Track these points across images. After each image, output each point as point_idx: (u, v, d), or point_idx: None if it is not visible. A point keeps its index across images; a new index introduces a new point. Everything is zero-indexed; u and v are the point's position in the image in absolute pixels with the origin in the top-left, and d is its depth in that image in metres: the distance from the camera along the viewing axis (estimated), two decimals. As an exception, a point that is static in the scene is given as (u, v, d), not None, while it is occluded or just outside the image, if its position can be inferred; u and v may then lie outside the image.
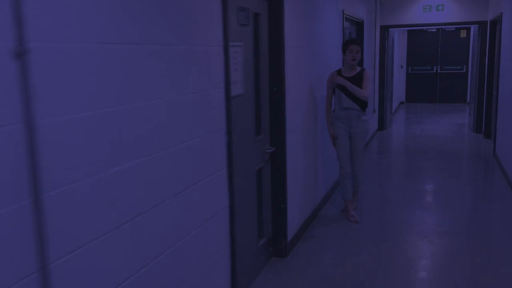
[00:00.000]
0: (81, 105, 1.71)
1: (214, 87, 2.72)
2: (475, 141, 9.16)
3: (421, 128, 10.67)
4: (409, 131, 10.54)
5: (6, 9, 1.41)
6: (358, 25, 7.67)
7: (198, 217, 2.60)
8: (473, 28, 10.96)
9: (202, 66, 2.59)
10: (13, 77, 1.44)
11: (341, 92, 4.80)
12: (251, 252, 3.60)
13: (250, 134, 3.49)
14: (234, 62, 3.07)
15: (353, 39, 5.43)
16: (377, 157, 8.14)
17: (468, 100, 13.29)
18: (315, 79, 4.92)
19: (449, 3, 9.55)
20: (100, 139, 1.82)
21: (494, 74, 8.43)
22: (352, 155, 4.94)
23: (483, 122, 9.33)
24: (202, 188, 2.62)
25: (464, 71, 14.56)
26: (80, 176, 1.72)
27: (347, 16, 6.49)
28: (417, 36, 14.88)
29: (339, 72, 4.90)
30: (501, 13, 7.45)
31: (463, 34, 14.45)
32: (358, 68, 4.86)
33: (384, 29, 9.92)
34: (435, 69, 14.89)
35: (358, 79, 4.77)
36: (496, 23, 8.31)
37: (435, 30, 14.41)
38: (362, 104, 4.82)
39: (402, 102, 15.04)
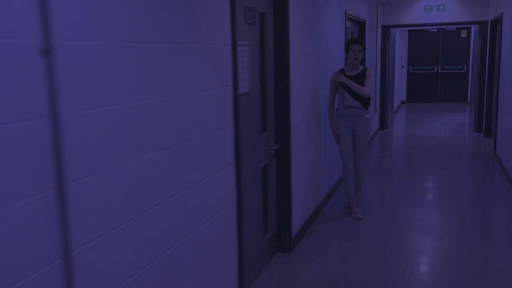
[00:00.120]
0: (100, 101, 1.80)
1: (223, 85, 2.81)
2: (475, 140, 9.24)
3: (422, 127, 10.74)
4: (410, 130, 10.61)
5: (34, 9, 1.49)
6: (360, 25, 7.73)
7: (208, 211, 2.68)
8: (473, 28, 11.02)
9: (212, 64, 2.67)
10: (40, 74, 1.53)
11: (344, 91, 4.87)
12: (257, 246, 3.68)
13: (256, 131, 3.57)
14: (241, 61, 3.15)
15: (355, 38, 5.50)
16: (379, 155, 8.21)
17: (468, 100, 13.37)
18: (319, 78, 5.00)
19: (450, 3, 9.62)
20: (118, 133, 1.90)
21: (495, 73, 8.50)
22: (355, 153, 5.02)
23: (484, 121, 9.40)
24: (211, 182, 2.70)
25: (465, 70, 14.63)
26: (100, 168, 1.80)
27: (350, 16, 6.55)
28: (418, 36, 14.94)
29: (342, 71, 4.97)
30: (502, 13, 7.52)
31: (463, 34, 14.52)
32: (361, 67, 4.94)
33: (386, 29, 9.98)
34: (436, 69, 14.95)
35: (360, 78, 4.84)
36: (496, 23, 8.38)
37: (436, 30, 14.47)
38: (365, 103, 4.90)
39: (403, 102, 15.11)
